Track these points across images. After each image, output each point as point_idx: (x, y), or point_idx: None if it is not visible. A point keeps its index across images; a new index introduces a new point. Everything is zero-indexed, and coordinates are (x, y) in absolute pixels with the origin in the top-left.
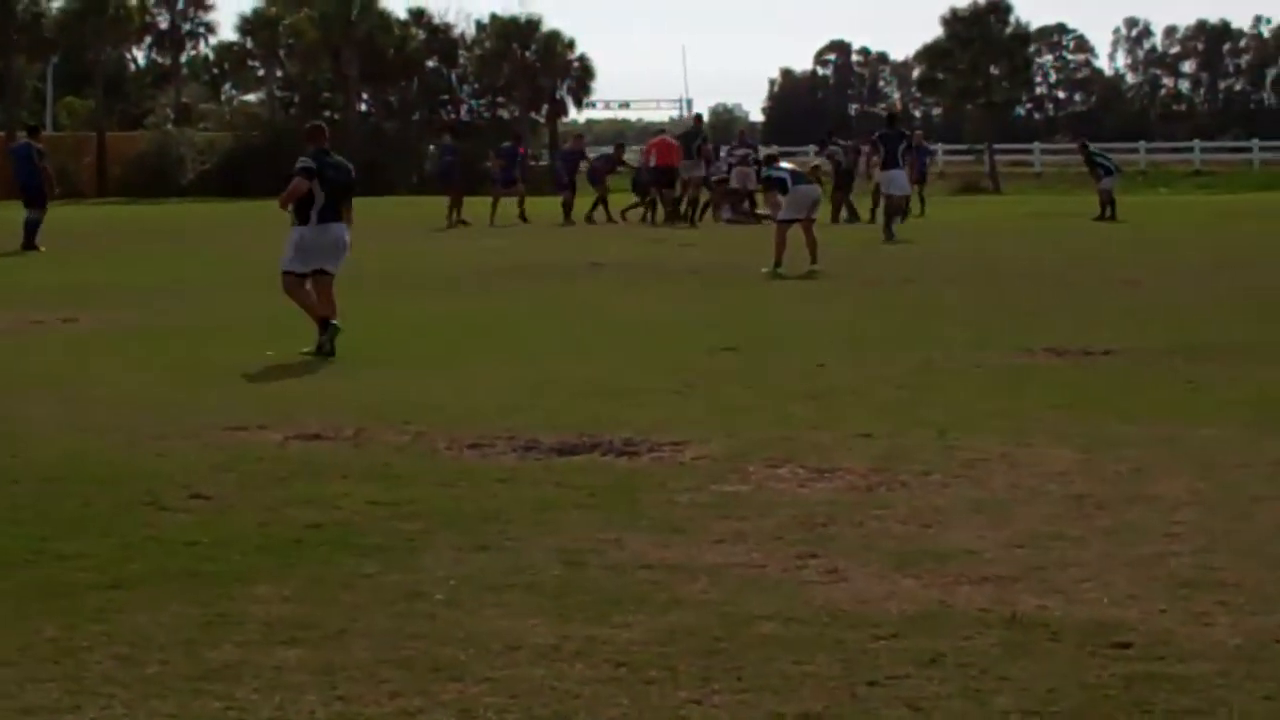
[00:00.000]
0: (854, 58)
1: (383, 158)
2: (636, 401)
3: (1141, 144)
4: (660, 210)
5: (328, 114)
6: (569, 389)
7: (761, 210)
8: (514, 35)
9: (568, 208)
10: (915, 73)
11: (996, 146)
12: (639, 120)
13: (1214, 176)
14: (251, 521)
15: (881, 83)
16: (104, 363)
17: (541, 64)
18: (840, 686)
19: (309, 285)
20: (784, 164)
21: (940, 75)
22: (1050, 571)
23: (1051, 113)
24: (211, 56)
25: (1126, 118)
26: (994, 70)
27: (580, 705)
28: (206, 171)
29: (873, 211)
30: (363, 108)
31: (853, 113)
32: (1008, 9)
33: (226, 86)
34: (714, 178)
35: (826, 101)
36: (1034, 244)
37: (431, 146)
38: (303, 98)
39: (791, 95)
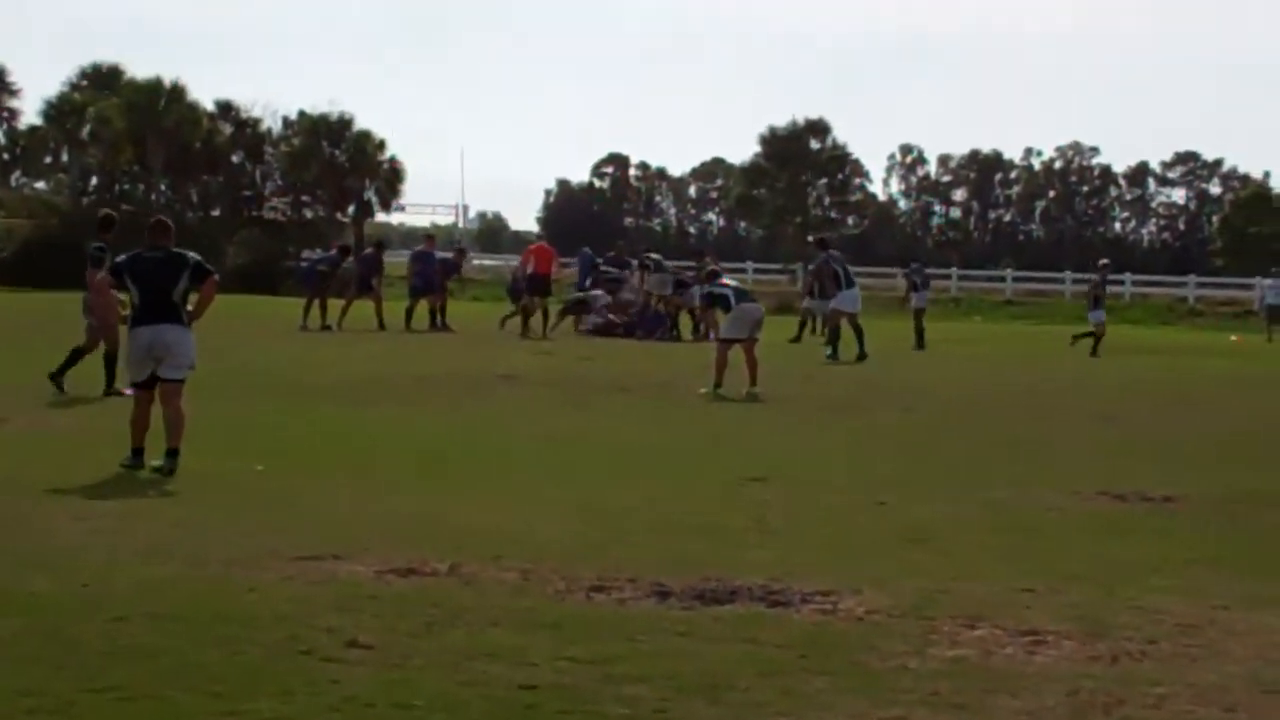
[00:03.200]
0: (632, 171)
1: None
2: (724, 539)
3: (954, 270)
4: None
5: (124, 207)
6: (635, 521)
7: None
8: (324, 133)
9: (441, 310)
10: (692, 189)
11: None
12: (401, 225)
13: (1026, 306)
14: (448, 681)
15: (658, 197)
16: (80, 471)
17: (351, 164)
18: None
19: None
20: (727, 280)
21: (758, 192)
22: None
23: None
24: (2, 140)
25: (899, 243)
26: (811, 190)
27: None
28: (4, 259)
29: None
30: (163, 200)
31: (628, 225)
32: (826, 129)
33: (16, 174)
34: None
35: (603, 213)
36: (934, 369)
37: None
38: (100, 186)
39: (568, 206)
